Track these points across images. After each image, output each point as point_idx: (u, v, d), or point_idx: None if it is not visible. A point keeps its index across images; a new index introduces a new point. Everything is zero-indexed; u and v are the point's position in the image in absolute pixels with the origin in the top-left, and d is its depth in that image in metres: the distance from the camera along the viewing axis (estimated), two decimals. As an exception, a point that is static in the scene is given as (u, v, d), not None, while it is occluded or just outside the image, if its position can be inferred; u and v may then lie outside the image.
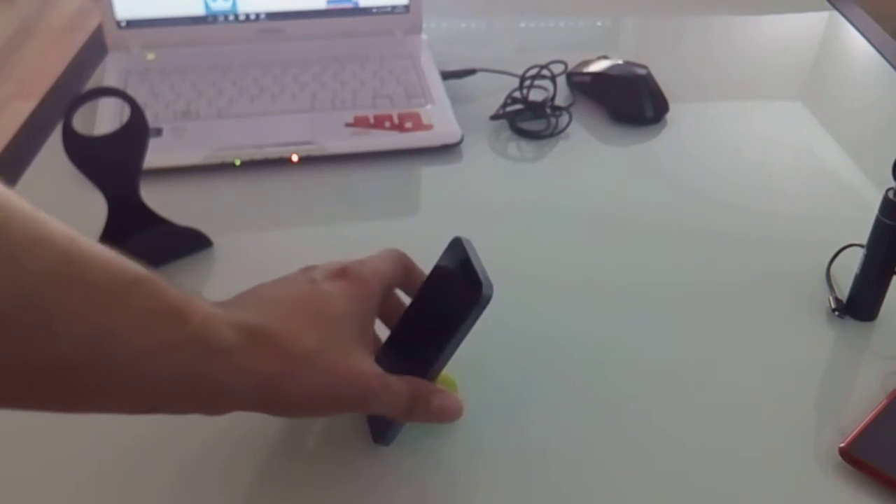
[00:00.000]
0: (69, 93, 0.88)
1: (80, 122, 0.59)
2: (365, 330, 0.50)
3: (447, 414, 0.51)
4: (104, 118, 0.78)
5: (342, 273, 0.50)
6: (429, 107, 0.84)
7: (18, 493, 0.50)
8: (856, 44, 1.04)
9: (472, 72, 0.92)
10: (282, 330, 0.45)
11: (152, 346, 0.40)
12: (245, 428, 0.53)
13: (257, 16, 0.90)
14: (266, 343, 0.44)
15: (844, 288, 0.65)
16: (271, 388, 0.44)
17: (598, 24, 1.08)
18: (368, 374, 0.47)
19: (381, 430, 0.52)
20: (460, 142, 0.82)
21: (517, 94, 0.86)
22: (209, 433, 0.53)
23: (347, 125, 0.81)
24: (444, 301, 0.52)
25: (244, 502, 0.50)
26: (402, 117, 0.82)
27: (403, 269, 0.54)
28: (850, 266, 0.63)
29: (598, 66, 0.90)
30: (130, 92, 0.64)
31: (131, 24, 0.88)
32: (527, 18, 1.07)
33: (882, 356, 0.61)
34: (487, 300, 0.47)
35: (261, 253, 0.69)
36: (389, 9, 0.93)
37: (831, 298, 0.64)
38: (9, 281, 0.35)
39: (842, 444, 0.52)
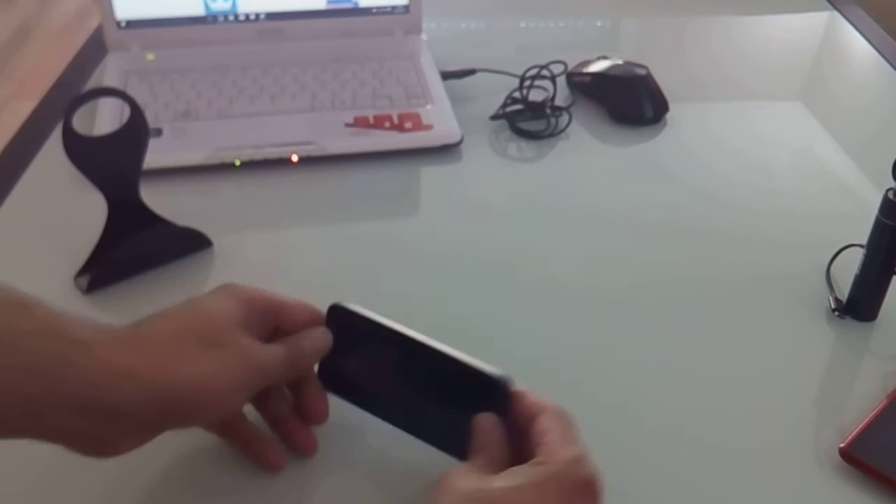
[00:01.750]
0: (69, 93, 0.88)
1: (80, 122, 0.59)
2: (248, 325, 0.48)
3: (320, 348, 0.50)
4: (104, 118, 0.78)
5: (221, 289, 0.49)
6: (429, 107, 0.84)
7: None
8: (856, 44, 1.04)
9: (472, 72, 0.92)
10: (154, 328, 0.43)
11: None
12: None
13: (257, 16, 0.90)
14: (134, 338, 0.42)
15: (844, 288, 0.65)
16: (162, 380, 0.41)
17: (598, 24, 1.08)
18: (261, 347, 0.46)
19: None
20: (460, 142, 0.82)
21: (517, 95, 0.86)
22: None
23: (347, 125, 0.81)
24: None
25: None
26: (401, 117, 0.82)
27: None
28: (850, 266, 0.63)
29: (597, 67, 0.90)
30: (130, 92, 0.64)
31: (131, 24, 0.88)
32: (527, 18, 1.07)
33: (882, 356, 0.61)
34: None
35: (261, 253, 0.69)
36: (389, 9, 0.93)
37: (831, 298, 0.64)
38: None
39: (842, 444, 0.52)
